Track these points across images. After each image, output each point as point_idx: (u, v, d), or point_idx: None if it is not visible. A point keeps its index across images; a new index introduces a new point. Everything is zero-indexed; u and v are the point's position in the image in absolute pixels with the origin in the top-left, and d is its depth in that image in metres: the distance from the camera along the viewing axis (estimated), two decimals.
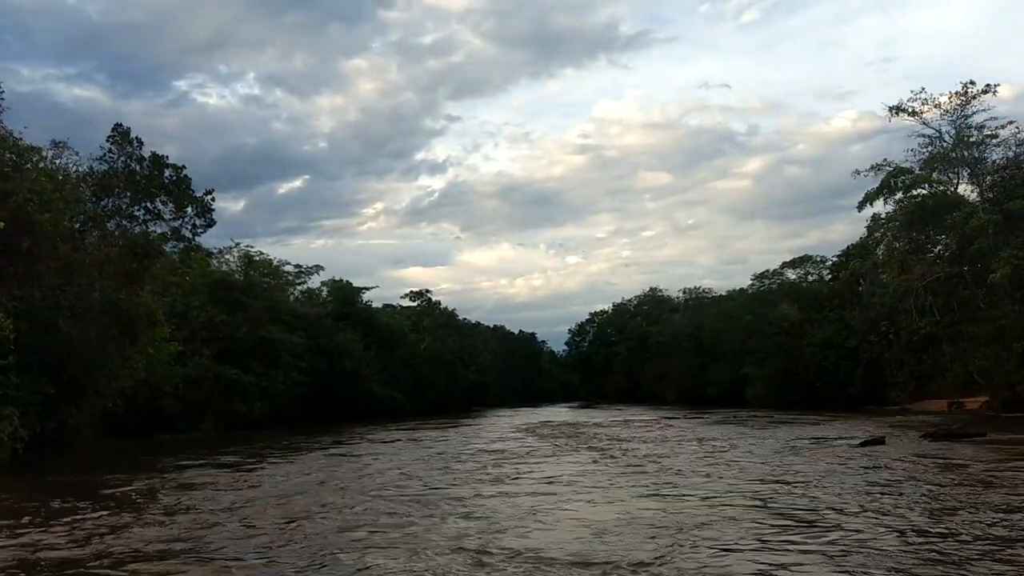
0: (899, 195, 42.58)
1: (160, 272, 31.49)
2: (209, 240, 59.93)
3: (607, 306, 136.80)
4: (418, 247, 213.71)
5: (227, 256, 59.46)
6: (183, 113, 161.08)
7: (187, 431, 42.91)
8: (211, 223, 35.71)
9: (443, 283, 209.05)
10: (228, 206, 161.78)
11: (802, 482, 15.77)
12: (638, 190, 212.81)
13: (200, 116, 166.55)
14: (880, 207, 45.59)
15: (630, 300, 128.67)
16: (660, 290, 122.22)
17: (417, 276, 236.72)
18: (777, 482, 15.87)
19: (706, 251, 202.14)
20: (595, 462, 21.67)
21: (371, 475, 19.75)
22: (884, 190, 42.85)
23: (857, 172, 44.70)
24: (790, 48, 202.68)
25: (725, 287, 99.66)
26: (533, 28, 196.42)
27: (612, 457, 22.81)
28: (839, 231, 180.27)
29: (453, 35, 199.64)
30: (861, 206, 45.11)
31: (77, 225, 32.00)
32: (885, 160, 43.50)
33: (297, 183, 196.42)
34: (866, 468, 17.78)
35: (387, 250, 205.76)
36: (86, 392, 26.63)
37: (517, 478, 18.40)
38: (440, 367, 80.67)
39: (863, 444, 23.17)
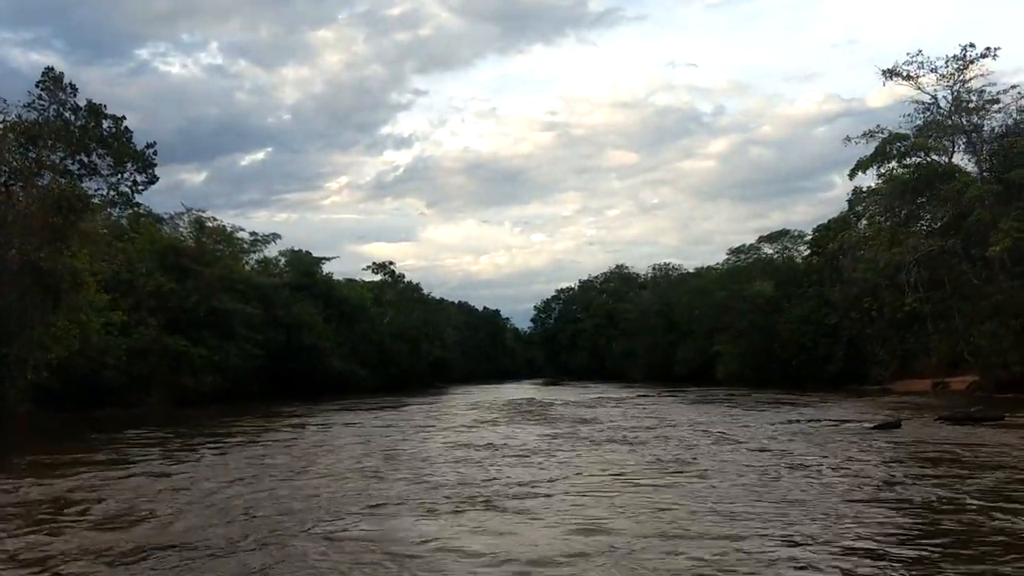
0: (893, 163, 40.36)
1: (90, 229, 28.20)
2: (163, 207, 56.79)
3: (573, 284, 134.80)
4: (382, 222, 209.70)
5: (178, 222, 56.15)
6: (144, 82, 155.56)
7: (133, 406, 39.93)
8: (153, 180, 32.45)
9: (408, 259, 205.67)
10: (189, 178, 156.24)
11: (849, 476, 13.42)
12: (604, 169, 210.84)
13: (161, 85, 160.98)
14: (865, 179, 43.73)
15: (596, 277, 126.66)
16: (627, 267, 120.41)
17: (381, 252, 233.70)
18: (818, 482, 13.31)
19: (671, 231, 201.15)
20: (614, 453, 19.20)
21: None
22: (878, 157, 40.66)
23: (848, 139, 42.51)
24: (757, 29, 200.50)
25: (690, 267, 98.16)
26: (502, 3, 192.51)
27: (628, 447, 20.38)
28: (802, 212, 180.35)
29: (421, 7, 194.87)
30: (853, 174, 43.00)
31: (3, 177, 28.85)
32: (878, 127, 41.28)
33: (260, 155, 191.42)
34: (900, 458, 15.50)
35: (351, 225, 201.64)
36: (5, 363, 23.57)
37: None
38: (403, 342, 77.87)
39: (877, 428, 20.98)
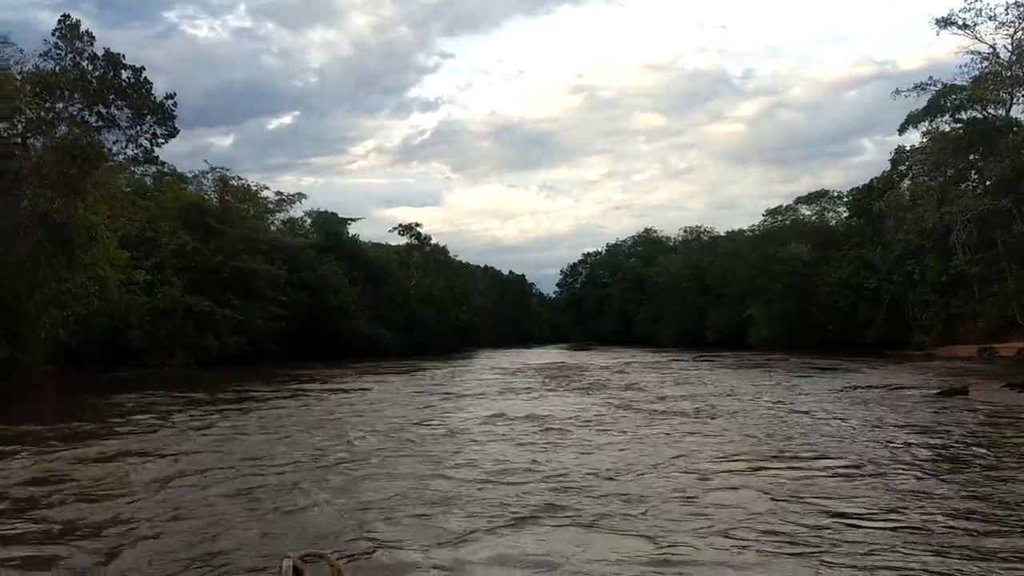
0: (946, 117, 38.31)
1: (106, 180, 27.02)
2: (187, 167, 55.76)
3: (599, 248, 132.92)
4: (408, 187, 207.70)
5: (203, 181, 55.21)
6: (172, 45, 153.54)
7: (157, 367, 39.22)
8: (173, 132, 31.14)
9: (434, 224, 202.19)
10: (217, 141, 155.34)
11: (938, 447, 12.07)
12: (631, 132, 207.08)
13: (189, 49, 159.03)
14: (908, 139, 41.77)
15: (624, 241, 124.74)
16: (655, 231, 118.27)
17: (407, 216, 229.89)
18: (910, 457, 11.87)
19: (698, 195, 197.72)
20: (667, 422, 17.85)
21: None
22: (932, 110, 38.66)
23: (898, 91, 40.52)
24: None
25: (720, 231, 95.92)
26: None
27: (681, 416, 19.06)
28: (831, 177, 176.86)
29: None
30: (903, 129, 41.09)
31: (19, 128, 27.74)
32: (931, 78, 39.21)
33: (287, 119, 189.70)
34: (992, 430, 14.13)
35: (377, 189, 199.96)
36: (20, 320, 22.60)
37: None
38: (430, 305, 76.72)
39: (941, 395, 19.56)
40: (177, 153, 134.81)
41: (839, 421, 15.09)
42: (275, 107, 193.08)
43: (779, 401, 19.00)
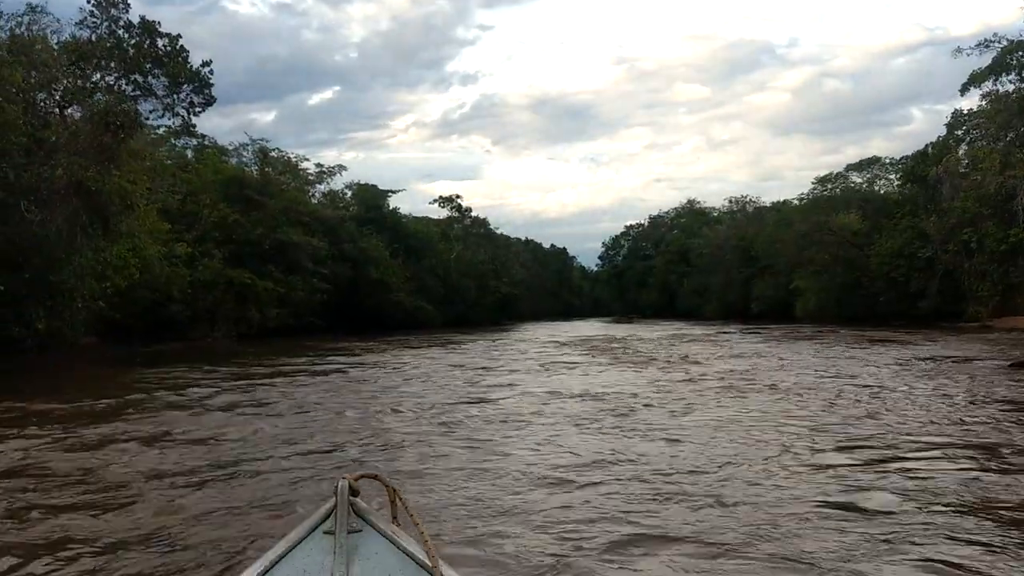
0: (1011, 76, 36.53)
1: (140, 148, 26.65)
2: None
3: (641, 220, 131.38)
4: (448, 161, 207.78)
5: (243, 153, 55.01)
6: (214, 21, 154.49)
7: (198, 339, 39.19)
8: (210, 100, 30.70)
9: (473, 198, 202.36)
10: (259, 117, 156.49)
11: None
12: (673, 103, 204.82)
13: (231, 24, 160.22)
14: (967, 103, 39.98)
15: (667, 213, 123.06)
16: (698, 202, 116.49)
17: (447, 190, 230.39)
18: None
19: (741, 167, 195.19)
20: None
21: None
22: (996, 69, 36.90)
23: (959, 50, 38.72)
24: None
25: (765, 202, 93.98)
26: None
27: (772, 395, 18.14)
28: (877, 147, 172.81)
29: None
30: (964, 89, 39.36)
31: (56, 98, 27.45)
32: (996, 35, 37.38)
33: (328, 94, 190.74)
34: None
35: (417, 164, 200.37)
36: (57, 292, 22.31)
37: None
38: (471, 278, 76.33)
39: (1014, 366, 18.47)
40: (220, 130, 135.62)
41: (932, 396, 13.94)
42: (316, 82, 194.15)
43: (855, 376, 17.47)
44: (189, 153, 51.07)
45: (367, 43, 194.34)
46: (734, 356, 24.90)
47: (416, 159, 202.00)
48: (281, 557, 2.35)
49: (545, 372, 20.60)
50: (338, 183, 65.73)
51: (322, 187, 63.03)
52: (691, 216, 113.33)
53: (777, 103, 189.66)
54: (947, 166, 43.93)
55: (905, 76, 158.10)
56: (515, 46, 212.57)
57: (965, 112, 48.89)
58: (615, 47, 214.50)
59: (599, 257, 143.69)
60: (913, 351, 25.08)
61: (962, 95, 40.70)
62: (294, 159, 57.32)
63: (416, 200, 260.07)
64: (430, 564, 2.32)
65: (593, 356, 26.79)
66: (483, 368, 22.06)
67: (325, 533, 2.41)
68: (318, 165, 62.15)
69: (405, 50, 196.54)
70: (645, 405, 13.03)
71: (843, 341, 32.21)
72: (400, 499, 2.66)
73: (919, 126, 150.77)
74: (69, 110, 27.81)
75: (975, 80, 38.07)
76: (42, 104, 26.71)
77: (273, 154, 54.54)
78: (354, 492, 2.44)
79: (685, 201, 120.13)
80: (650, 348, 30.58)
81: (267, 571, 2.32)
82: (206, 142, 53.20)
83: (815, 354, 25.10)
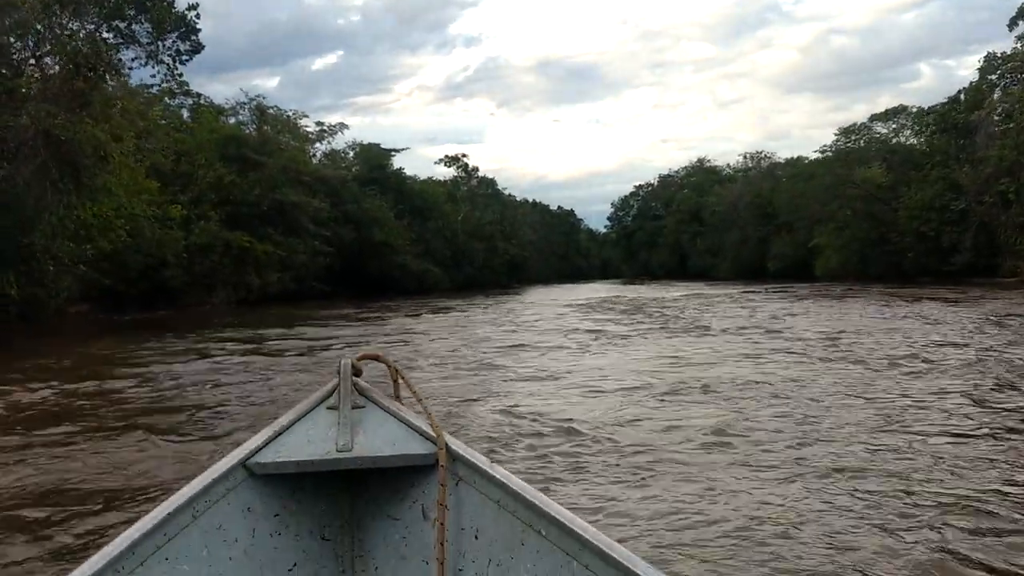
0: None
1: (122, 97, 24.37)
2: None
3: (649, 181, 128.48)
4: (452, 124, 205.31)
5: (239, 112, 52.62)
6: None
7: (195, 305, 37.25)
8: (197, 48, 28.20)
9: (478, 161, 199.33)
10: (262, 83, 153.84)
11: None
12: (679, 63, 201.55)
13: None
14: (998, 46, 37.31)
15: (677, 171, 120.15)
16: (708, 160, 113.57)
17: (451, 153, 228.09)
18: None
19: (748, 126, 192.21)
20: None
21: None
22: None
23: None
24: None
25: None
26: None
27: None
28: (885, 104, 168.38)
29: None
30: (1012, 24, 36.61)
31: (30, 46, 25.17)
32: None
33: (331, 59, 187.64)
34: None
35: (421, 127, 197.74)
36: (29, 254, 20.20)
37: None
38: (478, 239, 74.11)
39: None
40: (222, 97, 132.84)
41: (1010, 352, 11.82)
42: (319, 47, 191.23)
43: (911, 339, 14.94)
44: (185, 113, 48.94)
45: (369, 6, 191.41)
46: (773, 317, 22.44)
47: (420, 123, 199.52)
48: (285, 428, 2.19)
49: (579, 343, 16.69)
50: (340, 143, 63.44)
51: (323, 147, 60.85)
52: (702, 175, 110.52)
53: (784, 61, 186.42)
54: (989, 108, 41.30)
55: (914, 31, 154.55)
56: (518, 6, 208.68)
57: (999, 55, 46.26)
58: (620, 6, 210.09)
59: (608, 218, 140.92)
60: (969, 308, 22.84)
61: (1011, 30, 37.95)
62: (293, 117, 54.97)
63: (420, 165, 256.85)
64: (433, 435, 2.14)
65: (619, 321, 24.21)
66: (507, 342, 19.84)
67: (328, 408, 2.24)
68: (318, 123, 59.81)
69: (407, 13, 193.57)
70: (707, 391, 9.16)
71: (884, 300, 29.81)
72: (403, 378, 2.39)
73: (928, 82, 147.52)
74: (47, 60, 25.58)
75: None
76: (14, 52, 24.45)
77: (271, 111, 52.17)
78: (357, 372, 2.26)
79: (695, 160, 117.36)
80: (675, 311, 27.97)
81: (270, 441, 2.15)
82: (202, 101, 51.02)
83: (861, 312, 22.90)
